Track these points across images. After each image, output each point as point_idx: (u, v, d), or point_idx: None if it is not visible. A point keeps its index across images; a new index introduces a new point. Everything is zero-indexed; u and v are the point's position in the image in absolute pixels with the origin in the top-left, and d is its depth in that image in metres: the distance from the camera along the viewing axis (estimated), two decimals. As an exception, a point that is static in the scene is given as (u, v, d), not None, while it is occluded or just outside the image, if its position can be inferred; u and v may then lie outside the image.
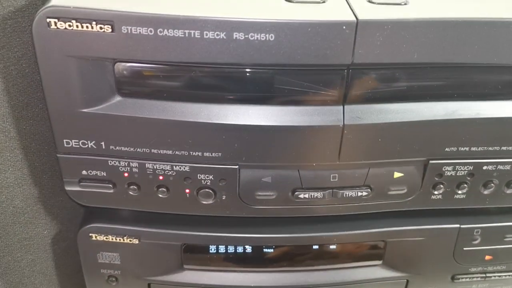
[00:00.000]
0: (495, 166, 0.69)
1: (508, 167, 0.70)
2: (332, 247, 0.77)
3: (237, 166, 0.65)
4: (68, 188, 0.67)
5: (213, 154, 0.63)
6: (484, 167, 0.69)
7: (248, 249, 0.77)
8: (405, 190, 0.70)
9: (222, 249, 0.77)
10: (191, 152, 0.63)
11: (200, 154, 0.63)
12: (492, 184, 0.71)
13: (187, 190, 0.67)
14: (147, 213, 0.72)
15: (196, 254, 0.77)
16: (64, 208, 0.76)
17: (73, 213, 0.77)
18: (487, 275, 0.84)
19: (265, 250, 0.78)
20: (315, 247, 0.78)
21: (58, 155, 0.64)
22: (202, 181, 0.66)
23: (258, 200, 0.68)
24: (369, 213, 0.73)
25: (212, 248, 0.77)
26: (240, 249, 0.77)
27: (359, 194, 0.68)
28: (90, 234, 0.73)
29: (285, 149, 0.63)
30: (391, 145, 0.64)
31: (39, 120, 0.66)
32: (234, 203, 0.68)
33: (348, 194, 0.68)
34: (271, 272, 0.80)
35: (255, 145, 0.62)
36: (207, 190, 0.67)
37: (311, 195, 0.67)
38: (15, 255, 0.72)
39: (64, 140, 0.62)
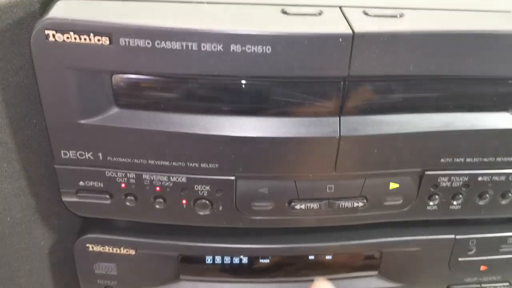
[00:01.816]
0: (490, 177, 0.70)
1: (503, 178, 0.70)
2: (328, 257, 0.78)
3: (233, 177, 0.65)
4: (65, 199, 0.68)
5: (210, 165, 0.63)
6: (479, 178, 0.70)
7: (244, 259, 0.78)
8: (401, 201, 0.70)
9: (218, 259, 0.77)
10: (188, 163, 0.63)
11: (197, 165, 0.63)
12: (487, 195, 0.72)
13: (184, 201, 0.67)
14: (144, 224, 0.73)
15: (192, 265, 0.77)
16: (61, 218, 0.76)
17: (70, 223, 0.77)
18: (482, 285, 0.84)
19: (261, 260, 0.78)
20: (311, 257, 0.78)
21: (55, 166, 0.64)
22: (199, 192, 0.66)
23: (255, 210, 0.68)
24: (365, 223, 0.73)
25: (208, 259, 0.77)
26: (236, 260, 0.78)
27: (355, 204, 0.69)
28: (87, 245, 0.74)
29: (281, 160, 0.63)
30: (387, 156, 0.65)
31: (37, 131, 0.66)
32: (230, 214, 0.69)
33: (344, 205, 0.68)
34: (267, 283, 0.80)
35: (251, 156, 0.63)
36: (204, 201, 0.67)
37: (307, 206, 0.67)
38: (13, 266, 0.72)
39: (62, 151, 0.63)
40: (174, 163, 0.63)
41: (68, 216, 0.76)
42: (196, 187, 0.66)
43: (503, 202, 0.73)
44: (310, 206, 0.68)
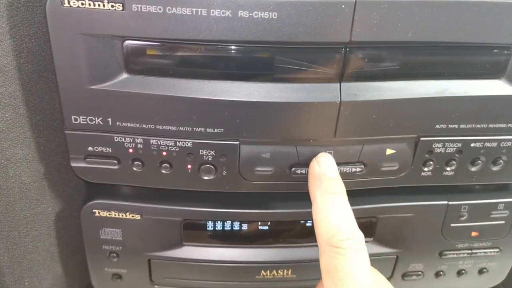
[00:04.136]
0: (482, 143, 0.72)
1: (494, 144, 0.72)
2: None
3: (237, 142, 0.67)
4: (74, 164, 0.69)
5: (215, 130, 0.65)
6: (472, 144, 0.72)
7: (244, 226, 0.80)
8: (397, 167, 0.72)
9: (219, 226, 0.79)
10: (195, 128, 0.65)
11: (203, 130, 0.65)
12: (479, 161, 0.74)
13: (189, 166, 0.69)
14: (150, 190, 0.75)
15: (194, 231, 0.80)
16: (68, 186, 0.77)
17: (77, 191, 0.79)
18: (473, 251, 0.87)
19: (260, 227, 0.80)
20: (309, 224, 0.81)
21: (66, 131, 0.66)
22: (204, 156, 0.68)
23: (257, 175, 0.70)
24: (361, 190, 0.75)
25: (210, 226, 0.79)
26: (236, 226, 0.80)
27: (353, 170, 0.71)
28: (94, 210, 0.75)
29: (283, 125, 0.65)
30: (385, 121, 0.66)
31: (48, 97, 0.68)
32: (234, 179, 0.70)
33: (343, 170, 0.70)
34: (265, 248, 0.82)
35: (255, 121, 0.65)
36: (208, 165, 0.69)
37: (307, 171, 0.68)
38: (21, 231, 0.73)
39: (73, 117, 0.64)
40: (180, 128, 0.65)
41: (75, 184, 0.78)
42: (201, 152, 0.68)
43: (494, 168, 0.75)
44: (310, 171, 0.69)
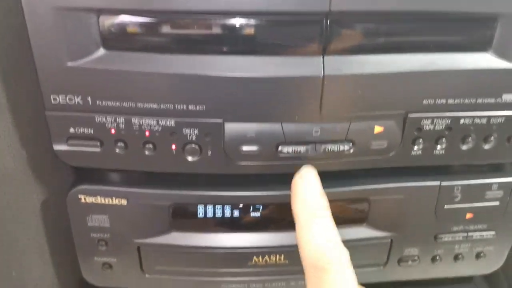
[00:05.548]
0: (471, 119, 0.71)
1: (484, 120, 0.71)
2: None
3: (221, 120, 0.66)
4: (56, 147, 0.68)
5: (197, 107, 0.64)
6: (461, 121, 0.71)
7: (235, 212, 0.79)
8: (386, 145, 0.71)
9: (209, 212, 0.78)
10: (176, 106, 0.64)
11: (185, 107, 0.64)
12: (470, 139, 0.73)
13: (173, 147, 0.68)
14: (136, 175, 0.74)
15: (184, 216, 0.79)
16: (56, 173, 0.77)
17: (63, 179, 0.78)
18: (469, 234, 0.86)
19: (252, 213, 0.79)
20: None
21: (46, 113, 0.65)
22: (188, 136, 0.67)
23: (243, 155, 0.69)
24: (352, 172, 0.74)
25: (200, 212, 0.78)
26: (227, 212, 0.79)
27: (341, 148, 0.69)
28: (80, 196, 0.75)
29: (267, 101, 0.64)
30: (371, 97, 0.66)
31: (29, 81, 0.67)
32: (220, 159, 0.69)
33: (331, 148, 0.69)
34: (256, 233, 0.82)
35: (237, 97, 0.64)
36: (193, 145, 0.68)
37: (294, 150, 0.68)
38: (5, 218, 0.72)
39: (52, 96, 0.64)
40: (162, 106, 0.64)
41: (63, 172, 0.77)
42: (185, 131, 0.67)
43: (486, 147, 0.74)
44: (296, 150, 0.68)
